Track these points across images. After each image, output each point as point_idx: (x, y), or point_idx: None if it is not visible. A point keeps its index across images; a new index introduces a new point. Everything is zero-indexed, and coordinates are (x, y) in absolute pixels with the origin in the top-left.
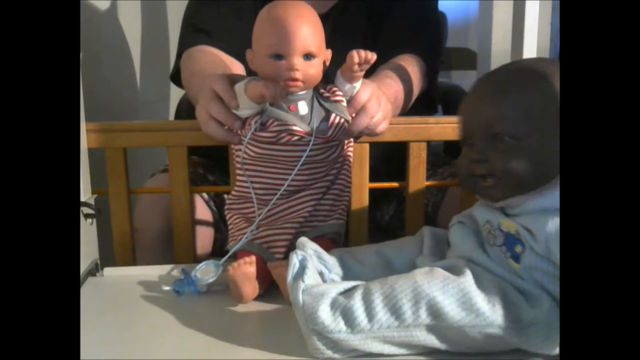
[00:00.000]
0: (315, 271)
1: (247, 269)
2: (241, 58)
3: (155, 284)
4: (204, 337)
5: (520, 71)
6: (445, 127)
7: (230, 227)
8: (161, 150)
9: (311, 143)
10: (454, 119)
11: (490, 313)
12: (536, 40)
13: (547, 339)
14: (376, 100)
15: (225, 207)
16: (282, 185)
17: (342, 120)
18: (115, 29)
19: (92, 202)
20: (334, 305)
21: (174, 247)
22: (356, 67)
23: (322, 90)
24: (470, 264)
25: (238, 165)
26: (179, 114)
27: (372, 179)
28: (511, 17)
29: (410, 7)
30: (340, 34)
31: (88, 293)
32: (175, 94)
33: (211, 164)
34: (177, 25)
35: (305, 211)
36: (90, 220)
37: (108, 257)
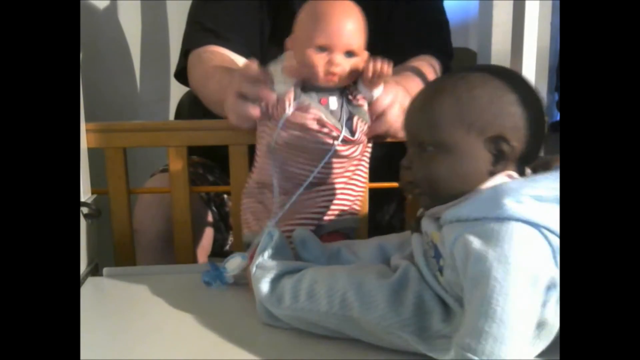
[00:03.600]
0: (285, 249)
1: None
2: (247, 56)
3: (155, 283)
4: (203, 336)
5: (454, 77)
6: None
7: (245, 214)
8: (161, 150)
9: (340, 138)
10: None
11: (392, 315)
12: (536, 40)
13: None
14: (399, 106)
15: (244, 191)
16: (303, 175)
17: (364, 123)
18: (115, 29)
19: (92, 202)
20: (274, 280)
21: (173, 247)
22: (372, 78)
23: (348, 92)
24: (413, 267)
25: (262, 151)
26: (179, 114)
27: (372, 179)
28: (511, 17)
29: (419, 8)
30: None
31: (88, 293)
32: (176, 93)
33: (211, 164)
34: (177, 25)
35: (322, 205)
36: (90, 220)
37: (108, 257)
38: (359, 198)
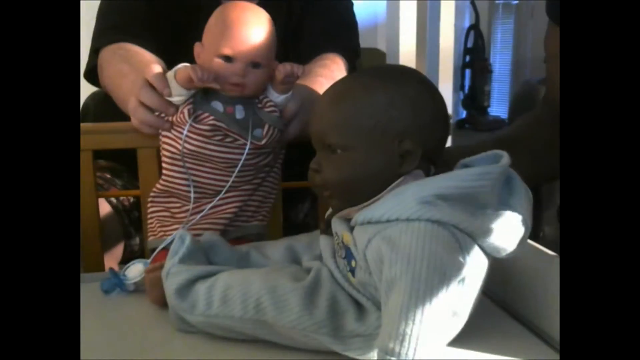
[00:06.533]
0: (198, 253)
1: (158, 273)
2: (158, 55)
3: None
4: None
5: (357, 79)
6: None
7: (150, 220)
8: None
9: (247, 148)
10: None
11: (307, 318)
12: (440, 42)
13: (368, 352)
14: (309, 105)
15: (149, 199)
16: (210, 184)
17: (276, 129)
18: None
19: None
20: (186, 286)
21: (81, 255)
22: (283, 81)
23: (257, 101)
24: (325, 268)
25: (166, 159)
26: (84, 117)
27: (286, 178)
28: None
29: (328, 8)
30: None
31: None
32: (81, 95)
33: (119, 168)
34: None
35: (230, 212)
36: None
37: None
38: (269, 205)
